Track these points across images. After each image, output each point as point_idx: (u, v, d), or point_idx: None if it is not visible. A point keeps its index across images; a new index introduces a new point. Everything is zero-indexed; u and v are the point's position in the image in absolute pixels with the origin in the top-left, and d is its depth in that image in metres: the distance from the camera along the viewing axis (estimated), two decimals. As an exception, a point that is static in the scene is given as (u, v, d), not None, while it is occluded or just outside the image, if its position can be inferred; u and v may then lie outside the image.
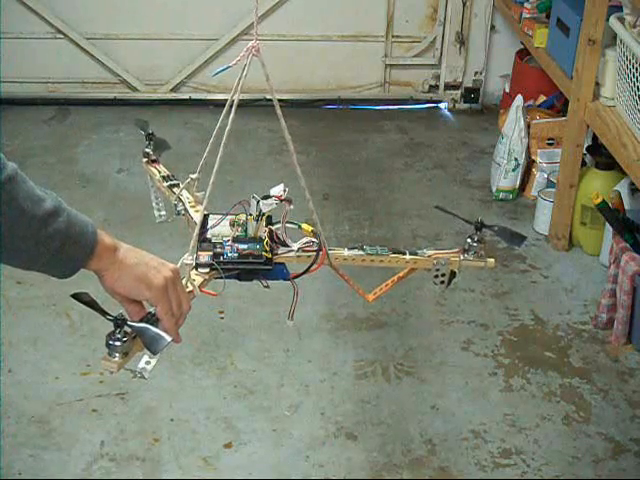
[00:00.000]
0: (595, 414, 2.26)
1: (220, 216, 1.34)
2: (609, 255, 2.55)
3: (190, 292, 1.22)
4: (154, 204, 1.57)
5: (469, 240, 1.35)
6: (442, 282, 1.37)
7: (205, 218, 1.35)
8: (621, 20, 2.52)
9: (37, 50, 3.89)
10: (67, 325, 2.47)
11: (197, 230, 1.28)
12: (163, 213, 1.57)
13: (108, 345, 1.09)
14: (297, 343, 2.49)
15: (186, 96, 3.98)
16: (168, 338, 1.10)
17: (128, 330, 1.10)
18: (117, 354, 1.09)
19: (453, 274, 1.37)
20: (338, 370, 2.39)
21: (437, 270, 1.35)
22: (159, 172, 1.53)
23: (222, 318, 2.58)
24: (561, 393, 2.34)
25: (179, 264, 1.20)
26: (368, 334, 2.54)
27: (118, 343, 1.09)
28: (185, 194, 1.45)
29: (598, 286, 2.68)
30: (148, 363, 1.14)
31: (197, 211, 1.39)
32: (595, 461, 2.12)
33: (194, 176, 1.40)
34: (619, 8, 2.56)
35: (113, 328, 1.09)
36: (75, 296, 1.08)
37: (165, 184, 1.50)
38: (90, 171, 3.42)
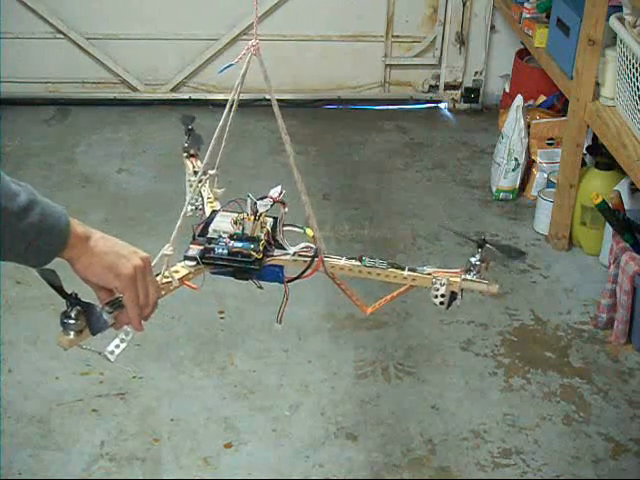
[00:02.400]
0: (595, 414, 2.26)
1: (228, 213, 1.34)
2: (609, 255, 2.55)
3: (168, 283, 1.22)
4: (187, 197, 1.58)
5: (472, 259, 1.30)
6: (442, 303, 1.31)
7: (214, 214, 1.35)
8: (621, 20, 2.52)
9: (37, 50, 3.89)
10: (67, 325, 2.47)
11: (179, 222, 1.28)
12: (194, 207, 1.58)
13: (62, 323, 1.12)
14: (297, 343, 2.49)
15: (186, 96, 3.98)
16: (109, 322, 1.13)
17: (81, 309, 1.12)
18: (71, 332, 1.12)
19: (454, 295, 1.31)
20: (338, 370, 2.39)
21: (436, 290, 1.30)
22: (193, 167, 1.54)
23: (222, 318, 2.58)
24: (561, 393, 2.33)
25: (159, 254, 1.21)
26: (368, 334, 2.54)
27: (71, 321, 1.11)
28: (207, 190, 1.46)
29: (598, 286, 2.68)
30: (117, 347, 1.16)
31: (213, 207, 1.40)
32: (595, 461, 2.12)
33: (212, 172, 1.40)
34: (619, 8, 2.56)
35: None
36: (41, 272, 1.09)
37: (192, 178, 1.51)
38: (90, 171, 3.42)
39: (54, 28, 3.85)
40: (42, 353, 2.40)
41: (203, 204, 1.44)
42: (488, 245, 1.31)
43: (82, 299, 1.12)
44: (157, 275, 1.20)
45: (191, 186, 1.55)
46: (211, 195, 1.44)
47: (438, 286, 1.30)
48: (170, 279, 1.22)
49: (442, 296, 1.30)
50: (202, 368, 2.38)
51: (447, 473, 2.08)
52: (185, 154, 1.58)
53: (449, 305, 1.32)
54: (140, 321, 1.16)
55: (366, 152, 3.65)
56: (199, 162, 1.55)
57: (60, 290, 1.10)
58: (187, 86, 4.01)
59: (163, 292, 1.21)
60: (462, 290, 1.31)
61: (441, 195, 3.33)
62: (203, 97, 3.93)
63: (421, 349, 2.48)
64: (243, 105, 3.67)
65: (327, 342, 2.50)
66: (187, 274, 1.25)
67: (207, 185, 1.45)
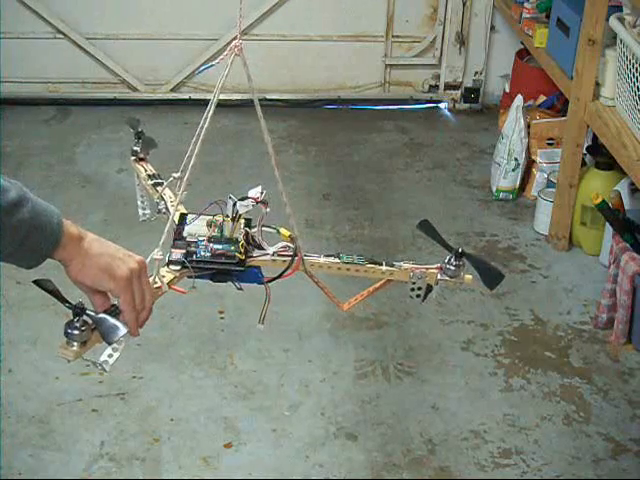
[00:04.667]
0: (595, 414, 2.26)
1: (202, 216, 1.33)
2: (609, 255, 2.54)
3: (158, 288, 1.21)
4: (139, 202, 1.57)
5: (447, 264, 1.32)
6: (418, 296, 1.34)
7: (183, 217, 1.35)
8: (621, 20, 2.52)
9: (37, 50, 3.89)
10: (67, 325, 2.47)
11: (168, 225, 1.27)
12: (147, 212, 1.57)
13: (66, 333, 1.09)
14: (297, 343, 2.49)
15: (186, 96, 3.98)
16: (124, 329, 1.09)
17: (88, 320, 1.09)
18: (75, 343, 1.09)
19: (430, 288, 1.34)
20: (338, 370, 2.39)
21: (413, 283, 1.33)
22: (145, 170, 1.53)
23: (222, 318, 2.58)
24: (561, 393, 2.34)
25: (148, 259, 1.20)
26: (368, 334, 2.54)
27: (76, 332, 1.08)
28: (168, 193, 1.45)
29: (598, 286, 2.68)
30: (111, 356, 1.13)
31: (178, 210, 1.39)
32: (595, 461, 2.12)
33: (177, 175, 1.39)
34: (619, 8, 2.56)
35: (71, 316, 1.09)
36: (37, 283, 1.07)
37: (149, 182, 1.50)
38: (90, 171, 3.42)
39: (54, 28, 3.85)
40: (42, 353, 2.40)
41: (167, 207, 1.43)
42: (466, 259, 1.32)
43: (88, 309, 1.10)
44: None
45: (142, 190, 1.54)
46: (174, 198, 1.43)
47: (415, 279, 1.33)
48: (160, 284, 1.22)
49: (419, 289, 1.34)
50: (202, 368, 2.38)
51: (447, 473, 2.08)
52: (134, 158, 1.56)
53: (424, 298, 1.35)
54: (137, 325, 1.14)
55: (366, 152, 3.65)
56: (149, 165, 1.54)
57: (61, 299, 1.08)
58: (187, 86, 4.01)
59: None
60: (437, 283, 1.34)
61: (441, 195, 3.33)
62: (203, 97, 3.93)
63: (421, 349, 2.48)
64: (242, 105, 3.71)
65: (327, 342, 2.50)
66: (173, 278, 1.25)
67: (168, 189, 1.44)
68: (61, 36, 3.87)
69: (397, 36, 4.00)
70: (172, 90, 4.00)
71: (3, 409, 2.20)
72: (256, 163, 3.46)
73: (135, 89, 4.00)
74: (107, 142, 3.66)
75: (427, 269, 1.34)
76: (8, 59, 3.83)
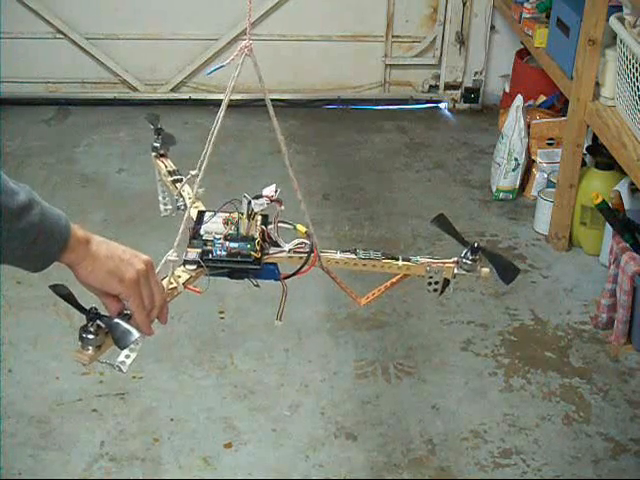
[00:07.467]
0: (595, 414, 2.26)
1: (220, 214, 1.33)
2: (609, 255, 2.54)
3: (174, 288, 1.21)
4: (160, 198, 1.58)
5: (463, 259, 1.33)
6: (435, 290, 1.35)
7: (201, 215, 1.35)
8: (621, 20, 2.52)
9: (37, 50, 3.89)
10: (67, 325, 2.47)
11: (182, 227, 1.27)
12: (169, 207, 1.58)
13: (81, 338, 1.09)
14: (297, 343, 2.49)
15: (186, 96, 3.98)
16: (136, 334, 1.09)
17: (102, 324, 1.10)
18: (90, 347, 1.09)
19: (447, 282, 1.35)
20: (338, 370, 2.39)
21: (430, 277, 1.34)
22: (165, 166, 1.53)
23: (222, 318, 2.58)
24: (561, 393, 2.34)
25: (163, 261, 1.20)
26: (368, 334, 2.54)
27: (91, 336, 1.09)
28: (187, 189, 1.45)
29: (598, 286, 2.68)
30: (127, 357, 1.14)
31: (196, 207, 1.39)
32: (595, 461, 2.12)
33: (194, 172, 1.39)
34: (619, 8, 2.56)
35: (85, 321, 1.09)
36: (53, 289, 1.08)
37: (170, 179, 1.50)
38: (90, 171, 3.42)
39: (54, 28, 3.86)
40: (42, 353, 2.40)
41: (185, 204, 1.43)
42: (482, 254, 1.33)
43: (102, 313, 1.10)
44: (163, 279, 1.20)
45: (163, 186, 1.55)
46: (192, 195, 1.43)
47: (432, 274, 1.33)
48: (175, 285, 1.22)
49: (436, 283, 1.34)
50: (202, 368, 2.38)
51: (447, 473, 2.08)
52: (154, 154, 1.57)
53: (442, 292, 1.35)
54: (149, 325, 1.14)
55: (366, 152, 3.65)
56: (169, 161, 1.55)
57: (76, 304, 1.08)
58: (187, 86, 4.01)
59: (168, 298, 1.20)
60: (454, 277, 1.34)
61: (441, 195, 3.33)
62: (203, 97, 3.93)
63: (421, 349, 2.48)
64: (244, 105, 3.71)
65: (327, 342, 2.50)
66: (189, 278, 1.25)
67: (187, 185, 1.44)
68: (61, 36, 3.87)
69: (397, 36, 4.01)
70: (172, 90, 4.00)
71: (3, 409, 2.20)
72: (257, 163, 3.47)
73: (135, 89, 4.00)
74: (107, 142, 3.66)
75: (444, 263, 1.34)
76: (8, 59, 3.84)
